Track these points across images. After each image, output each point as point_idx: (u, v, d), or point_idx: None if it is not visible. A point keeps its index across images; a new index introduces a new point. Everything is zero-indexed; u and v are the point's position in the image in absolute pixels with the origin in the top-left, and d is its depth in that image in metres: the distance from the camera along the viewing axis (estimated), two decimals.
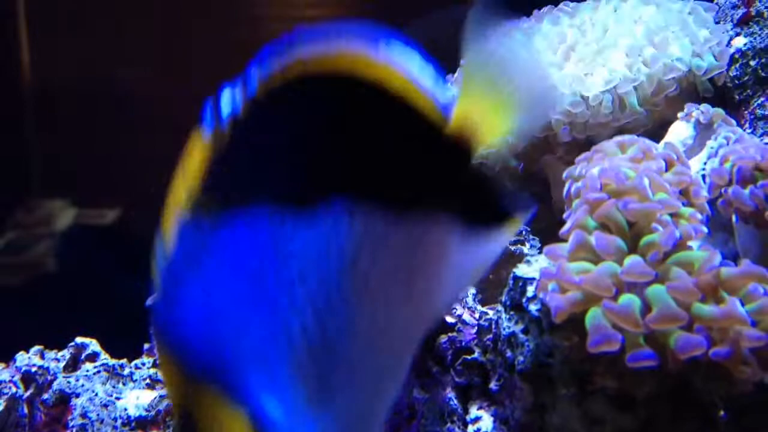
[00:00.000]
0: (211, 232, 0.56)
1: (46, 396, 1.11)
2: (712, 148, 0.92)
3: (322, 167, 0.59)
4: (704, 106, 1.04)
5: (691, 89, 1.22)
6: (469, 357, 0.97)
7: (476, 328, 0.99)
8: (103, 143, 2.33)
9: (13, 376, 1.13)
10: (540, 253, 1.05)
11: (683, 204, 0.80)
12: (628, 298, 0.71)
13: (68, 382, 1.11)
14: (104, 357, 1.18)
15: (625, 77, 1.17)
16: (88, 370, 1.13)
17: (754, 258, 0.81)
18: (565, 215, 0.83)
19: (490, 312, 1.01)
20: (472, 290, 1.07)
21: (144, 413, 1.05)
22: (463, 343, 0.99)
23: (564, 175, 0.89)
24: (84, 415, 1.07)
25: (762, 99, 1.15)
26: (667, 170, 0.83)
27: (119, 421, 1.05)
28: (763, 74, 1.16)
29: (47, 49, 2.31)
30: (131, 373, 1.12)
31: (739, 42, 1.20)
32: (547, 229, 1.15)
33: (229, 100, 0.59)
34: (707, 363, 0.70)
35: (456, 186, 0.64)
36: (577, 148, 1.24)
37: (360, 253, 0.58)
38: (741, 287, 0.72)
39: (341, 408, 0.57)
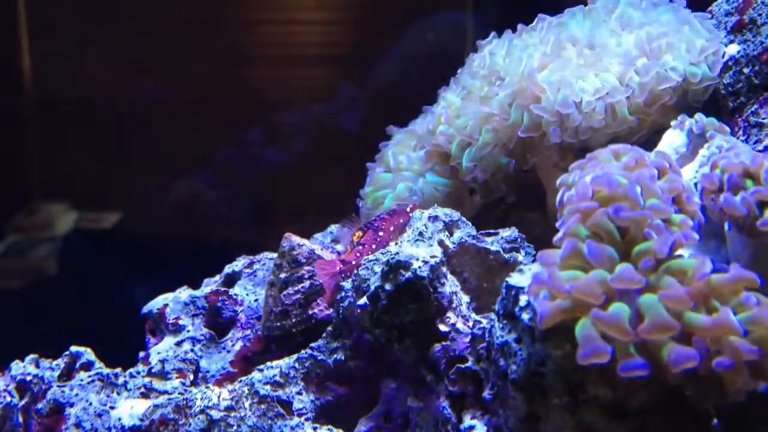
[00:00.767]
0: None
1: (40, 405, 1.11)
2: (704, 156, 0.92)
3: None
4: (698, 116, 1.04)
5: (686, 97, 1.22)
6: (462, 366, 0.97)
7: (470, 336, 0.99)
8: (104, 146, 2.34)
9: (8, 385, 1.13)
10: (534, 261, 1.05)
11: (677, 211, 0.80)
12: (618, 307, 0.71)
13: (62, 391, 1.11)
14: (99, 366, 1.18)
15: (615, 88, 1.18)
16: (82, 380, 1.12)
17: (745, 265, 0.80)
18: (558, 224, 0.83)
19: (484, 321, 1.01)
20: (466, 298, 1.07)
21: (138, 423, 1.05)
22: (457, 352, 0.98)
23: (557, 182, 0.89)
24: (78, 425, 1.07)
25: (755, 106, 1.15)
26: (659, 178, 0.83)
27: (113, 431, 1.05)
28: (756, 81, 1.16)
29: (48, 54, 2.32)
30: (125, 383, 1.12)
31: (733, 49, 1.20)
32: (542, 236, 1.15)
33: None
34: (701, 373, 0.70)
35: None
36: (572, 155, 1.24)
37: None
38: (732, 294, 0.71)
39: None
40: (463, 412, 0.96)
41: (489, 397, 0.91)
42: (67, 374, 1.17)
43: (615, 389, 0.76)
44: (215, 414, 1.01)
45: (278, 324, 1.17)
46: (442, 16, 2.37)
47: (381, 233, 1.15)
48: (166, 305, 1.30)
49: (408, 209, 1.19)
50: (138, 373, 1.18)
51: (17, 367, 1.16)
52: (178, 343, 1.25)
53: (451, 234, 1.12)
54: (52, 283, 2.33)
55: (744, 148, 0.92)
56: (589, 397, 0.77)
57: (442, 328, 1.00)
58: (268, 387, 1.05)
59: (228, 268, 1.35)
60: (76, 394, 1.11)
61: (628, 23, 1.27)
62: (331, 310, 1.13)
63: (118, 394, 1.11)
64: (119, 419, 1.06)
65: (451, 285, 1.04)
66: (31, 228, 2.38)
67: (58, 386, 1.13)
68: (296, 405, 1.06)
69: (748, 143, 1.12)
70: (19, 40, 2.28)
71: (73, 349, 1.20)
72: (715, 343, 0.70)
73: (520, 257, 1.13)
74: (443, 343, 1.00)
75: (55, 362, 1.19)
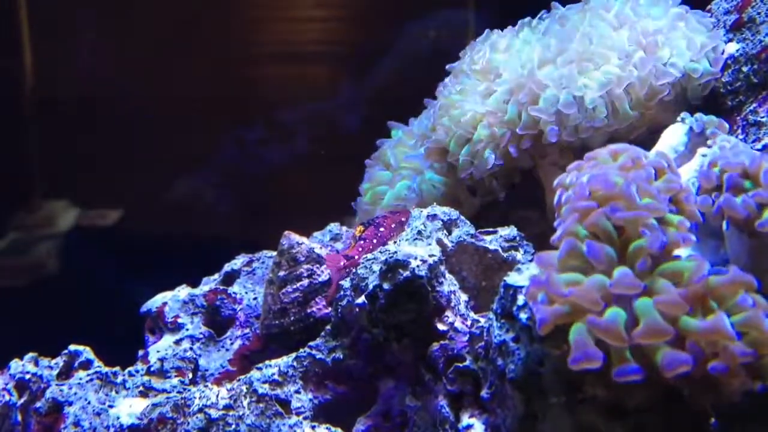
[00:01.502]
0: None
1: (39, 404, 1.11)
2: (704, 156, 0.91)
3: None
4: (697, 114, 1.04)
5: (685, 95, 1.22)
6: (461, 365, 0.97)
7: (468, 335, 0.99)
8: (105, 145, 2.34)
9: (6, 384, 1.13)
10: (533, 260, 1.05)
11: (674, 211, 0.80)
12: (614, 312, 0.70)
13: (61, 390, 1.11)
14: (98, 364, 1.18)
15: (618, 77, 1.17)
16: (81, 378, 1.12)
17: (744, 266, 0.80)
18: (555, 223, 0.83)
19: (482, 320, 1.01)
20: (465, 297, 1.07)
21: (137, 422, 1.05)
22: (455, 351, 0.98)
23: (555, 183, 0.89)
24: (77, 424, 1.07)
25: (754, 105, 1.15)
26: (657, 179, 0.82)
27: (112, 430, 1.05)
28: (755, 80, 1.16)
29: (49, 53, 2.33)
30: (124, 381, 1.12)
31: (732, 48, 1.20)
32: (541, 235, 1.15)
33: None
34: (697, 374, 0.70)
35: None
36: (572, 153, 1.24)
37: None
38: (730, 296, 0.71)
39: None
40: (461, 411, 0.96)
41: (487, 396, 0.91)
42: (65, 373, 1.17)
43: (613, 389, 0.76)
44: (214, 413, 1.01)
45: (277, 322, 1.17)
46: (443, 15, 2.37)
47: (382, 229, 1.16)
48: (165, 304, 1.30)
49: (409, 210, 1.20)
50: (137, 371, 1.18)
51: (16, 366, 1.16)
52: (177, 342, 1.25)
53: (450, 233, 1.12)
54: (53, 281, 2.33)
55: (743, 147, 0.92)
56: (587, 397, 0.77)
57: (441, 327, 1.00)
58: (266, 386, 1.05)
59: (227, 267, 1.35)
60: (75, 393, 1.11)
61: (627, 20, 1.27)
62: (330, 308, 1.13)
63: (117, 392, 1.10)
64: (118, 418, 1.06)
65: (449, 284, 1.04)
66: (32, 225, 2.38)
67: (56, 385, 1.13)
68: (294, 404, 1.06)
69: (747, 142, 1.11)
70: (19, 40, 2.28)
71: (72, 347, 1.20)
72: (710, 346, 0.70)
73: (519, 256, 1.13)
74: (441, 342, 1.00)
75: (53, 361, 1.19)
